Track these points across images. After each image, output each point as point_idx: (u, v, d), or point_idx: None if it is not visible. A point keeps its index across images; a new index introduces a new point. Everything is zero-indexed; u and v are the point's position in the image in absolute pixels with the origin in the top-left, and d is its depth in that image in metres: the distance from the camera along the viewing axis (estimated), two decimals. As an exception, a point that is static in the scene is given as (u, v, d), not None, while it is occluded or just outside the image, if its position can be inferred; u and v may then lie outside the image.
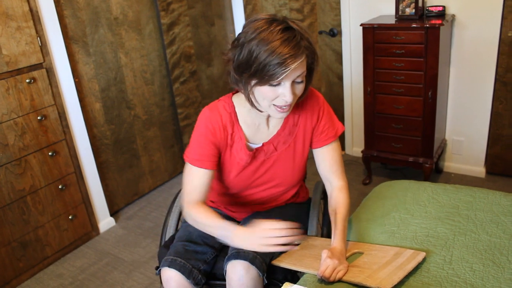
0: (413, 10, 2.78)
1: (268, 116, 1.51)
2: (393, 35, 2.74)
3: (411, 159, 2.95)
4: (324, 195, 1.87)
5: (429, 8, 2.81)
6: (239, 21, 3.83)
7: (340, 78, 3.53)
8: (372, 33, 2.81)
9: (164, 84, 3.33)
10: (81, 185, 2.75)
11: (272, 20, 1.29)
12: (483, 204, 1.62)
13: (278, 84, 1.29)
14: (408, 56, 2.74)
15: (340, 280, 1.32)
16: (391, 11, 3.04)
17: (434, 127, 2.81)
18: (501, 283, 1.26)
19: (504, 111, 2.94)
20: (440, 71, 2.72)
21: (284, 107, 1.35)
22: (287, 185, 1.65)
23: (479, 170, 3.13)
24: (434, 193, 1.72)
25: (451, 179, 3.14)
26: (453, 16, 2.85)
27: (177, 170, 3.58)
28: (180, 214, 1.94)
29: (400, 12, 2.84)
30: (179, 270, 1.49)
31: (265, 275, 1.48)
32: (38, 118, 2.44)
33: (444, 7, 2.79)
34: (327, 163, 1.59)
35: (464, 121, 3.08)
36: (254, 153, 1.54)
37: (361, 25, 2.83)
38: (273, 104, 1.35)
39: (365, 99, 3.01)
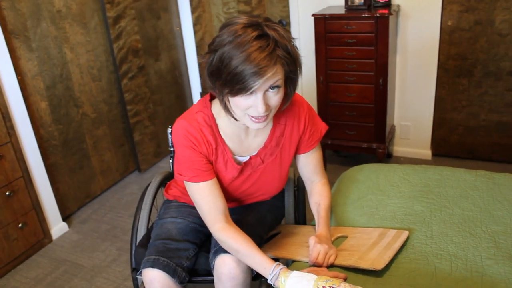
0: (362, 1, 2.87)
1: (248, 127, 1.41)
2: (344, 24, 2.81)
3: (365, 145, 3.05)
4: (298, 185, 1.89)
5: (376, -2, 2.91)
6: (184, 14, 3.75)
7: (289, 69, 3.56)
8: (324, 23, 2.86)
9: (112, 80, 3.19)
10: (30, 190, 2.57)
11: (248, 26, 1.19)
12: (451, 181, 1.71)
13: (250, 94, 1.20)
14: (359, 45, 2.82)
15: (332, 265, 1.34)
16: (339, 1, 3.12)
17: (386, 113, 2.92)
18: (480, 251, 1.34)
19: (447, 96, 3.12)
20: (389, 60, 2.83)
21: (259, 118, 1.26)
22: (272, 194, 1.62)
23: (426, 152, 3.30)
24: (404, 173, 1.79)
25: (401, 162, 3.29)
26: (398, 6, 2.97)
27: (129, 169, 3.45)
28: (150, 211, 1.88)
29: (349, 3, 2.92)
30: (163, 270, 1.43)
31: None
32: (-19, 119, 2.25)
33: (389, -3, 2.90)
34: (311, 166, 1.58)
35: (410, 106, 3.23)
36: (242, 167, 1.46)
37: (312, 15, 2.87)
38: (247, 114, 1.26)
39: (318, 88, 3.06)
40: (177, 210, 1.69)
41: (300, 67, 1.29)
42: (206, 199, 1.40)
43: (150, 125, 3.51)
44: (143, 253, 1.64)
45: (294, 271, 1.22)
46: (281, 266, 1.27)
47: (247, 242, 1.34)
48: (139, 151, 3.42)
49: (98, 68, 3.06)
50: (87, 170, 3.07)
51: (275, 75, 1.19)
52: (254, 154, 1.47)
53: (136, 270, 1.70)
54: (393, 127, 3.29)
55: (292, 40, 1.24)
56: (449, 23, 2.94)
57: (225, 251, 1.42)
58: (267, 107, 1.23)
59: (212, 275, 1.50)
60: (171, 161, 2.00)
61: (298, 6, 3.29)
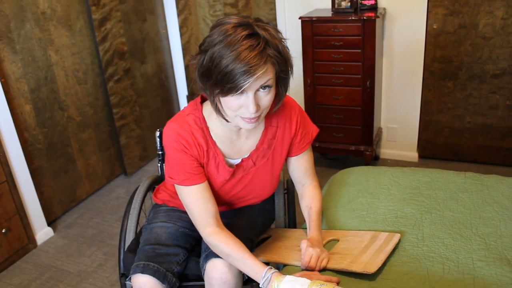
0: (349, 4, 2.88)
1: (240, 129, 1.40)
2: (331, 27, 2.82)
3: (352, 147, 3.06)
4: (287, 188, 1.88)
5: (362, 1, 2.93)
6: (171, 17, 3.73)
7: (276, 72, 3.56)
8: (311, 26, 2.87)
9: (98, 83, 3.15)
10: (14, 195, 2.52)
11: (238, 25, 1.18)
12: (440, 183, 1.72)
13: (241, 93, 1.20)
14: (346, 48, 2.83)
15: (324, 269, 1.33)
16: (325, 5, 3.13)
17: (373, 116, 2.94)
18: (471, 254, 1.35)
19: (433, 98, 3.16)
20: (375, 62, 2.84)
21: (251, 118, 1.25)
22: (263, 197, 1.61)
23: (412, 155, 3.33)
24: (394, 176, 1.80)
25: (388, 165, 3.31)
26: (384, 9, 3.00)
27: (115, 173, 3.41)
28: (139, 216, 1.85)
29: (336, 6, 2.93)
30: (153, 275, 1.41)
31: (245, 270, 1.46)
32: (-37, 123, 2.20)
33: (376, 1, 2.92)
34: (302, 169, 1.56)
35: (397, 109, 3.26)
36: (234, 169, 1.44)
37: (299, 18, 2.88)
38: (239, 115, 1.25)
39: (305, 91, 3.07)
40: (166, 215, 1.67)
41: (291, 68, 1.28)
42: (197, 202, 1.38)
43: (136, 128, 3.47)
44: (132, 258, 1.61)
45: (287, 276, 1.21)
46: (273, 270, 1.26)
47: (238, 246, 1.33)
48: (125, 155, 3.38)
49: (83, 70, 3.02)
50: (73, 174, 3.02)
51: (265, 74, 1.18)
52: (246, 156, 1.46)
53: (124, 275, 1.68)
54: (380, 130, 3.32)
55: (283, 40, 1.24)
56: (434, 26, 2.97)
57: (216, 256, 1.40)
58: (258, 107, 1.23)
59: (202, 280, 1.48)
60: (159, 164, 1.98)
61: (285, 9, 3.29)
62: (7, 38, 2.50)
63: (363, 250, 1.38)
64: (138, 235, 1.76)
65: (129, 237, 1.80)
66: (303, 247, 1.37)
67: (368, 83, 2.85)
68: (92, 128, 3.15)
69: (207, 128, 1.40)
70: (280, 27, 3.35)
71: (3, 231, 2.46)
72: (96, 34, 3.01)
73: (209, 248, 1.44)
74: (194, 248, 1.62)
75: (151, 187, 1.95)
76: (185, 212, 1.68)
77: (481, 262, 1.31)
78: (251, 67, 1.14)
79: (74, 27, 2.91)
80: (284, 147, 1.50)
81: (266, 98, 1.24)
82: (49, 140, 2.82)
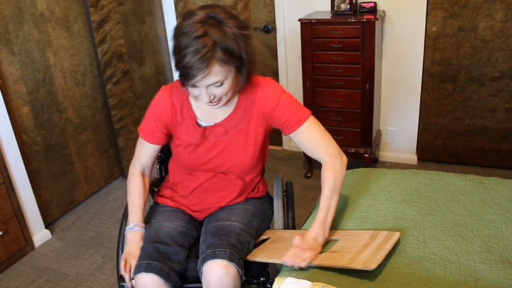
0: (348, 6, 2.88)
1: None
2: (330, 30, 2.82)
3: (352, 150, 3.05)
4: (286, 190, 1.88)
5: (362, 4, 2.93)
6: (169, 19, 3.72)
7: (275, 74, 3.56)
8: (310, 28, 2.87)
9: (96, 85, 3.14)
10: (12, 197, 2.50)
11: (196, 22, 1.29)
12: (440, 185, 1.71)
13: (193, 86, 1.35)
14: (345, 50, 2.83)
15: (324, 267, 1.32)
16: (324, 7, 3.13)
17: (372, 118, 2.93)
18: (473, 256, 1.34)
19: (432, 101, 3.15)
20: (375, 65, 2.84)
21: (212, 102, 1.39)
22: (239, 171, 1.62)
23: (411, 157, 3.32)
24: (394, 178, 1.79)
25: (387, 167, 3.30)
26: (384, 12, 2.99)
27: (113, 175, 3.39)
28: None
29: (335, 8, 2.93)
30: (157, 274, 1.41)
31: (243, 272, 1.45)
32: (-40, 124, 2.18)
33: (375, 3, 2.92)
34: (305, 145, 1.57)
35: (396, 111, 3.26)
36: (205, 131, 1.54)
37: (299, 20, 2.87)
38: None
39: (304, 93, 3.06)
40: (163, 214, 1.68)
41: (250, 59, 1.37)
42: (139, 149, 1.65)
43: (135, 130, 3.46)
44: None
45: (288, 278, 1.20)
46: (139, 227, 1.59)
47: (139, 194, 1.65)
48: (124, 157, 3.36)
49: (82, 72, 3.01)
50: (71, 176, 3.01)
51: (210, 75, 1.30)
52: (218, 122, 1.54)
53: (122, 278, 1.66)
54: (379, 132, 3.31)
55: (241, 36, 1.32)
56: (434, 29, 2.97)
57: (213, 258, 1.40)
58: (213, 96, 1.37)
59: (201, 282, 1.47)
60: (157, 166, 1.97)
61: (284, 11, 3.29)
62: (5, 40, 2.49)
63: (363, 248, 1.37)
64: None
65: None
66: (293, 243, 1.42)
67: (367, 85, 2.85)
68: (90, 130, 3.14)
69: (187, 92, 1.50)
70: (279, 29, 3.35)
71: (0, 233, 2.44)
72: (95, 36, 3.00)
73: (206, 251, 1.44)
74: (193, 248, 1.62)
75: (150, 189, 1.94)
76: (183, 212, 1.69)
77: (483, 265, 1.30)
78: (192, 70, 1.28)
79: (72, 29, 2.90)
80: (259, 122, 1.54)
81: (220, 90, 1.36)
82: (47, 142, 2.81)
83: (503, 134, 3.05)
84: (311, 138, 1.55)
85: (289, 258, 1.36)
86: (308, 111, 1.57)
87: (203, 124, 1.55)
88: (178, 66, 1.33)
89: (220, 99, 1.41)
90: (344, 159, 1.56)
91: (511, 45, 2.82)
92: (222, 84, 1.35)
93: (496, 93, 2.96)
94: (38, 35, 2.68)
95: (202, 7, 1.34)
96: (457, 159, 3.24)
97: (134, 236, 1.58)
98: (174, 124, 1.57)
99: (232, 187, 1.67)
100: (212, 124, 1.55)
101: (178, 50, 1.30)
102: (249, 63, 1.38)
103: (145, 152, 1.65)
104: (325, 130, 1.59)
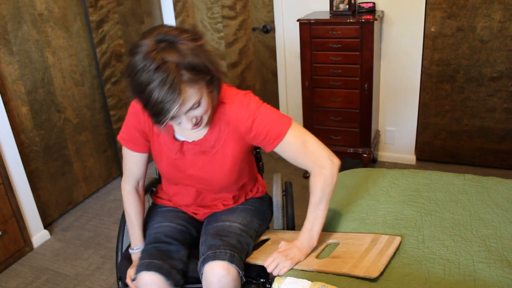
0: (347, 6, 2.89)
1: None
2: (329, 30, 2.82)
3: (350, 150, 3.05)
4: (286, 189, 1.88)
5: (361, 4, 2.93)
6: (168, 19, 3.72)
7: (274, 74, 3.57)
8: (309, 29, 2.87)
9: (95, 85, 3.14)
10: (11, 197, 2.50)
11: (147, 55, 1.17)
12: (439, 185, 1.72)
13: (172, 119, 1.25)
14: (344, 50, 2.83)
15: (327, 273, 1.32)
16: (323, 7, 3.13)
17: (371, 118, 2.94)
18: (472, 255, 1.35)
19: (430, 101, 3.16)
20: (373, 65, 2.85)
21: (196, 125, 1.31)
22: (217, 189, 1.59)
23: (410, 157, 3.33)
24: (393, 178, 1.79)
25: (386, 167, 3.31)
26: (382, 12, 3.00)
27: (112, 175, 3.39)
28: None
29: (334, 8, 2.93)
30: (158, 272, 1.41)
31: (243, 273, 1.45)
32: (-41, 125, 2.18)
33: (374, 3, 2.92)
34: (290, 159, 1.48)
35: (395, 112, 3.26)
36: (182, 146, 1.48)
37: (298, 20, 2.88)
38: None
39: (303, 93, 3.06)
40: (162, 215, 1.67)
41: (215, 67, 1.27)
42: (126, 163, 1.59)
43: (134, 130, 3.45)
44: (126, 265, 1.61)
45: (288, 277, 1.20)
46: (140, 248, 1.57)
47: (135, 212, 1.61)
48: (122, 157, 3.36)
49: (80, 72, 3.01)
50: (69, 176, 3.01)
51: (186, 102, 1.21)
52: (195, 140, 1.47)
53: (121, 279, 1.67)
54: (378, 132, 3.31)
55: (198, 47, 1.23)
56: (432, 29, 2.98)
57: (214, 259, 1.40)
58: (195, 119, 1.29)
59: (201, 282, 1.47)
60: (156, 166, 1.97)
61: (283, 11, 3.29)
62: (4, 40, 2.48)
63: (364, 254, 1.37)
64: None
65: (127, 240, 1.79)
66: (278, 247, 1.47)
67: (366, 85, 2.85)
68: (89, 130, 3.13)
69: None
70: (277, 29, 3.35)
71: (-1, 233, 2.44)
72: (94, 36, 3.00)
73: (206, 252, 1.44)
74: (193, 247, 1.62)
75: (148, 190, 1.94)
76: (182, 212, 1.69)
77: (482, 264, 1.30)
78: (165, 104, 1.17)
79: (71, 29, 2.90)
80: (237, 141, 1.46)
81: (199, 110, 1.27)
82: (46, 142, 2.81)
83: (501, 134, 3.05)
84: (294, 151, 1.45)
85: (269, 264, 1.41)
86: (288, 121, 1.44)
87: (180, 138, 1.49)
88: (147, 106, 1.21)
89: (202, 119, 1.32)
90: (335, 162, 1.45)
91: (509, 45, 2.83)
92: (199, 104, 1.26)
93: (495, 93, 2.97)
94: (37, 35, 2.68)
95: (145, 34, 1.23)
96: (455, 159, 3.25)
97: (138, 257, 1.56)
98: (151, 134, 1.50)
99: (224, 197, 1.65)
100: (189, 140, 1.48)
101: (140, 88, 1.18)
102: (216, 71, 1.30)
103: (133, 163, 1.57)
104: (309, 136, 1.46)
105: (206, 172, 1.52)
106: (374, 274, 1.25)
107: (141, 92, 1.19)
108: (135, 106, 1.47)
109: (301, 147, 1.44)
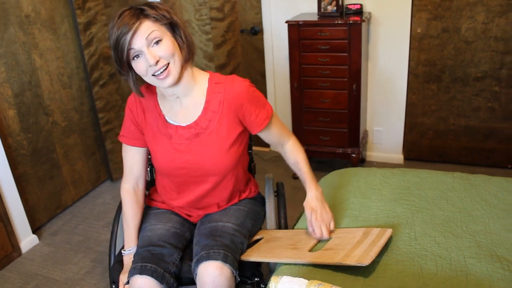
0: (335, 8, 2.92)
1: (177, 97, 1.51)
2: (317, 31, 2.85)
3: (339, 150, 3.08)
4: (277, 190, 1.89)
5: (348, 6, 2.97)
6: (156, 21, 3.71)
7: (263, 75, 3.58)
8: (298, 30, 2.89)
9: (83, 88, 3.12)
10: (-2, 202, 2.47)
11: (123, 11, 1.36)
12: (429, 183, 1.75)
13: (139, 55, 1.35)
14: (332, 51, 2.86)
15: (318, 264, 1.34)
16: (311, 9, 3.16)
17: (359, 118, 2.97)
18: (463, 251, 1.37)
19: (417, 101, 3.21)
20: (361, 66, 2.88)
21: (162, 72, 1.37)
22: (217, 173, 1.56)
23: (398, 157, 3.37)
24: (384, 177, 1.82)
25: (374, 167, 3.34)
26: (370, 13, 3.03)
27: (101, 178, 3.37)
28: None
29: (322, 10, 2.96)
30: (151, 276, 1.40)
31: (237, 272, 1.45)
32: None
33: (361, 5, 2.95)
34: (273, 138, 1.64)
35: (382, 112, 3.30)
36: (176, 130, 1.52)
37: (286, 22, 2.90)
38: (152, 75, 1.38)
39: (292, 94, 3.08)
40: (155, 217, 1.67)
41: (177, 23, 1.41)
42: (126, 160, 1.63)
43: (122, 133, 3.44)
44: (119, 269, 1.60)
45: (285, 276, 1.21)
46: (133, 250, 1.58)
47: (133, 213, 1.63)
48: (111, 160, 3.34)
49: (68, 75, 2.98)
50: (58, 180, 2.98)
51: (145, 28, 1.33)
52: (188, 124, 1.52)
53: (114, 282, 1.66)
54: (366, 132, 3.35)
55: (166, 8, 1.40)
56: (418, 30, 3.02)
57: (208, 259, 1.40)
58: (158, 57, 1.36)
59: (195, 283, 1.47)
60: (148, 168, 1.97)
61: (271, 13, 3.31)
62: (-10, 42, 2.46)
63: (357, 245, 1.39)
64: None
65: (120, 243, 1.78)
66: (307, 217, 1.55)
67: (354, 86, 2.88)
68: (78, 133, 3.11)
69: (156, 93, 1.56)
70: (266, 31, 3.37)
71: (-13, 238, 2.41)
72: (81, 38, 2.98)
73: (200, 252, 1.44)
74: (186, 249, 1.62)
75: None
76: (175, 214, 1.69)
77: (473, 259, 1.33)
78: (128, 25, 1.31)
79: (58, 31, 2.88)
80: (231, 121, 1.52)
81: (162, 49, 1.36)
82: (34, 146, 2.78)
83: (486, 133, 3.11)
84: (277, 131, 1.63)
85: (316, 231, 1.51)
86: (270, 106, 1.60)
87: (173, 123, 1.53)
88: (116, 55, 1.36)
89: (168, 66, 1.37)
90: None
91: (492, 46, 2.89)
92: (161, 40, 1.36)
93: (479, 93, 3.02)
94: (24, 37, 2.65)
95: (123, 10, 1.39)
96: (442, 158, 3.30)
97: (131, 259, 1.56)
98: (144, 124, 1.56)
99: (220, 195, 1.65)
100: (183, 125, 1.52)
101: (110, 41, 1.35)
102: (181, 26, 1.42)
103: (133, 159, 1.62)
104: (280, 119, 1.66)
105: (202, 156, 1.52)
106: (366, 261, 1.26)
107: (110, 38, 1.35)
108: (130, 100, 1.57)
109: (280, 127, 1.64)
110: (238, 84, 1.50)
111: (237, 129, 1.54)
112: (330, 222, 1.53)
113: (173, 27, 1.41)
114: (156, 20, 1.36)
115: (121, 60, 1.36)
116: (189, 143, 1.52)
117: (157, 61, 1.36)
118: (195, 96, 1.51)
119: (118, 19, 1.33)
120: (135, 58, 1.36)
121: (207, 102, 1.50)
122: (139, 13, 1.34)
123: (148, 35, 1.33)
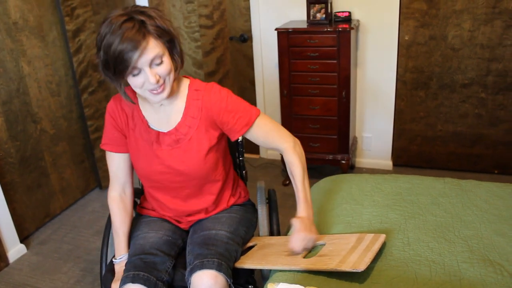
0: (324, 15, 2.94)
1: (161, 105, 1.51)
2: (307, 38, 2.87)
3: (329, 157, 3.10)
4: (269, 197, 1.89)
5: (337, 13, 3.00)
6: (145, 28, 3.70)
7: (252, 83, 3.59)
8: (287, 37, 2.91)
9: (72, 95, 3.09)
10: (-15, 211, 2.43)
11: (118, 16, 1.32)
12: (421, 189, 1.76)
13: (139, 72, 1.33)
14: (322, 58, 2.88)
15: (313, 271, 1.34)
16: (300, 16, 3.18)
17: (349, 125, 2.99)
18: (456, 256, 1.39)
19: (406, 108, 3.24)
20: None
21: (157, 89, 1.37)
22: (197, 177, 1.57)
23: (387, 163, 3.39)
24: (376, 183, 1.83)
25: (364, 173, 3.36)
26: (358, 21, 3.07)
27: (90, 186, 3.33)
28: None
29: (311, 17, 2.98)
30: (144, 284, 1.39)
31: (232, 281, 1.45)
32: None
33: (349, 13, 2.99)
34: (260, 140, 1.58)
35: (371, 118, 3.33)
36: (158, 136, 1.52)
37: (276, 29, 2.91)
38: (147, 90, 1.37)
39: (281, 101, 3.10)
40: (147, 225, 1.66)
41: (176, 37, 1.40)
42: (112, 167, 1.61)
43: (111, 140, 3.41)
44: (110, 278, 1.58)
45: (281, 283, 1.21)
46: (126, 257, 1.56)
47: (121, 221, 1.62)
48: (100, 168, 3.31)
49: (57, 82, 2.96)
50: (46, 188, 2.94)
51: (151, 48, 1.31)
52: (169, 130, 1.52)
53: (106, 290, 1.64)
54: (355, 139, 3.37)
55: (162, 17, 1.37)
56: (406, 38, 3.06)
57: (202, 268, 1.40)
58: (158, 77, 1.35)
59: (189, 292, 1.46)
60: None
61: (260, 20, 3.33)
62: (-23, 49, 2.43)
63: (351, 251, 1.40)
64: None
65: (111, 252, 1.76)
66: (294, 229, 1.49)
67: (343, 93, 2.91)
68: (66, 141, 3.08)
69: (137, 99, 1.54)
70: (255, 38, 3.39)
71: (-26, 249, 2.37)
72: (70, 45, 2.96)
73: (194, 261, 1.44)
74: (179, 257, 1.61)
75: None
76: (167, 221, 1.68)
77: (466, 264, 1.35)
78: (133, 42, 1.28)
79: (47, 38, 2.86)
80: (209, 127, 1.53)
81: (162, 68, 1.36)
82: (22, 154, 2.74)
83: (473, 138, 3.16)
84: (265, 132, 1.57)
85: (298, 247, 1.45)
86: (257, 111, 1.56)
87: (155, 128, 1.53)
88: (108, 63, 1.31)
89: (164, 82, 1.38)
90: (299, 142, 1.62)
91: (478, 53, 2.94)
92: (162, 61, 1.35)
93: (466, 99, 3.07)
94: (12, 44, 2.62)
95: (111, 12, 1.36)
96: (431, 164, 3.33)
97: (122, 267, 1.56)
98: (127, 129, 1.55)
99: (206, 199, 1.64)
100: (164, 131, 1.52)
101: (109, 42, 1.28)
102: (178, 40, 1.41)
103: (117, 166, 1.60)
104: (276, 122, 1.61)
105: (183, 161, 1.52)
106: (361, 267, 1.27)
107: (112, 42, 1.28)
108: (110, 106, 1.56)
109: (271, 127, 1.58)
110: (215, 93, 1.51)
111: (215, 134, 1.55)
112: (309, 243, 1.47)
113: (171, 42, 1.39)
114: (158, 37, 1.33)
115: (120, 72, 1.33)
116: (170, 149, 1.53)
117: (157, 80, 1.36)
118: (177, 103, 1.52)
119: (119, 29, 1.28)
120: (134, 75, 1.34)
121: (186, 108, 1.52)
122: (142, 28, 1.30)
123: (154, 57, 1.32)
